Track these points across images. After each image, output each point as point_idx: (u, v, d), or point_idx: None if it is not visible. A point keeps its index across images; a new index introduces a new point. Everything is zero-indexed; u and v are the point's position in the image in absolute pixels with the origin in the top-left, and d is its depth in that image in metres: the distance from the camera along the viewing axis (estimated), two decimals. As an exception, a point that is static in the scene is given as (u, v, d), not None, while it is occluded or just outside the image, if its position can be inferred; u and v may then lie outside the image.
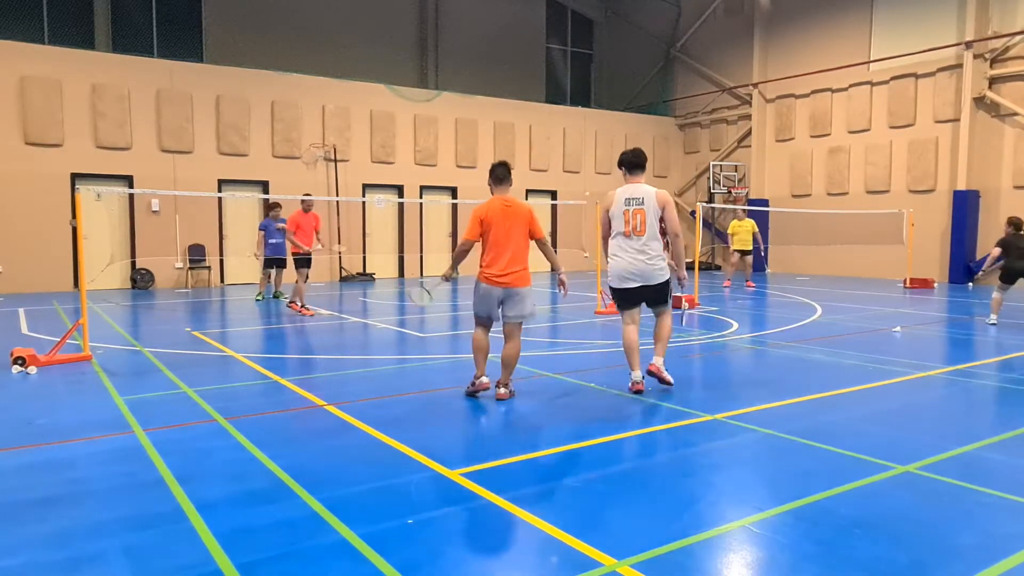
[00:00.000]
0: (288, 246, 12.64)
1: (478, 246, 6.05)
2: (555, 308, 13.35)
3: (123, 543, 3.33)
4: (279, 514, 3.65)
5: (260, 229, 13.69)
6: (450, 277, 6.21)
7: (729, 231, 17.49)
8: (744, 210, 18.04)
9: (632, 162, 6.28)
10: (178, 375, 6.98)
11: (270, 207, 13.78)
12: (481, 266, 5.94)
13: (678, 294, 7.62)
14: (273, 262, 13.77)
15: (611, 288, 6.32)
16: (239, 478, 4.19)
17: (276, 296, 14.24)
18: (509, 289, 5.88)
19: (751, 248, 17.10)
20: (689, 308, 7.41)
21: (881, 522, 3.53)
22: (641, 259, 6.08)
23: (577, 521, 3.57)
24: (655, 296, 6.22)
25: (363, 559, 3.15)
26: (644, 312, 6.40)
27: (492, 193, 6.20)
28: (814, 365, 7.67)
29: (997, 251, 11.16)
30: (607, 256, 6.36)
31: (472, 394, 6.08)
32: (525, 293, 5.94)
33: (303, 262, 12.00)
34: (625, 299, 6.24)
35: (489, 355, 6.14)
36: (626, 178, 6.33)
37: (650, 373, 6.26)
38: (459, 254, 6.06)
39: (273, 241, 13.43)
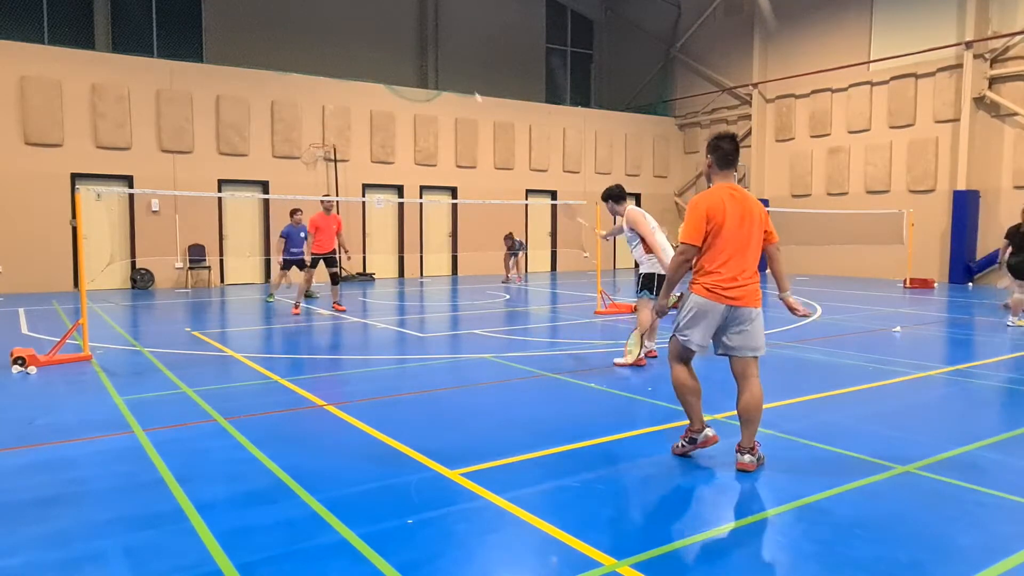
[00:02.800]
0: (307, 248, 12.51)
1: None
2: (555, 308, 13.36)
3: (123, 543, 3.33)
4: (279, 514, 3.65)
5: (282, 236, 13.35)
6: (667, 307, 4.53)
7: None
8: None
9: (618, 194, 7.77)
10: (178, 375, 6.98)
11: (291, 212, 13.38)
12: (698, 271, 4.33)
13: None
14: (294, 263, 13.43)
15: (660, 275, 7.36)
16: (239, 478, 4.19)
17: (309, 296, 14.10)
18: (738, 309, 4.24)
19: None
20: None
21: (881, 522, 3.53)
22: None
23: (577, 521, 3.57)
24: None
25: (363, 559, 3.15)
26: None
27: (710, 180, 4.45)
28: (814, 365, 7.66)
29: (1005, 243, 11.36)
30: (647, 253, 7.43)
31: (684, 454, 4.55)
32: (757, 316, 4.31)
33: (313, 262, 12.20)
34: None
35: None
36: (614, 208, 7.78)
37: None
38: (679, 270, 4.33)
39: (295, 250, 13.18)
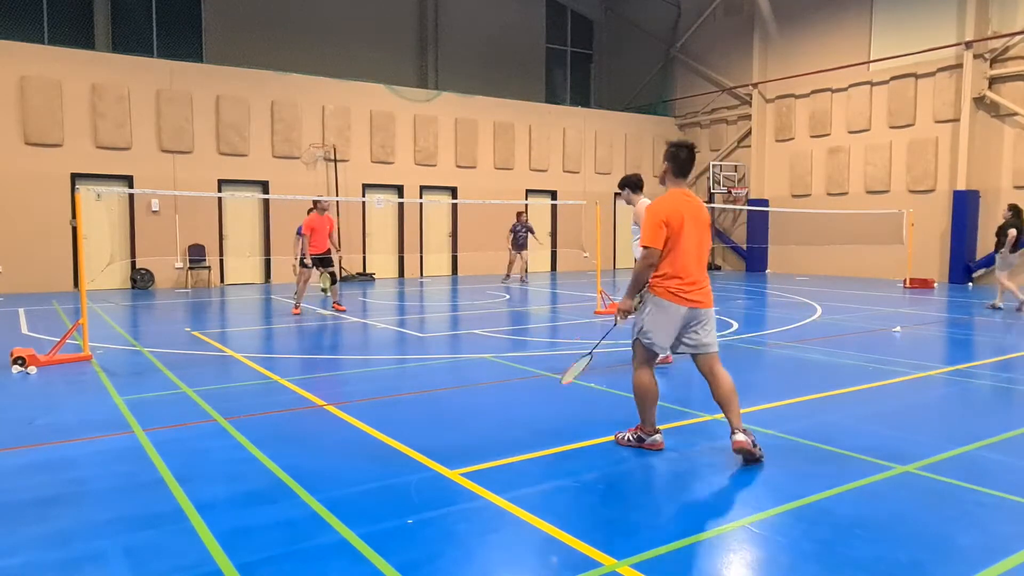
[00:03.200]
0: (305, 246, 12.33)
1: None
2: (555, 308, 13.37)
3: (123, 543, 3.33)
4: (279, 514, 3.65)
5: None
6: (631, 309, 4.63)
7: None
8: None
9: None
10: (178, 375, 6.98)
11: (309, 211, 13.15)
12: (659, 276, 4.46)
13: None
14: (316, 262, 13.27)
15: None
16: (239, 478, 4.19)
17: (324, 291, 14.22)
18: (698, 310, 4.46)
19: None
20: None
21: (881, 522, 3.53)
22: None
23: (577, 521, 3.57)
24: None
25: (363, 559, 3.15)
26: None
27: (665, 184, 4.65)
28: (814, 365, 7.66)
29: (1014, 232, 11.73)
30: None
31: (625, 444, 4.74)
32: (712, 315, 4.58)
33: (312, 263, 12.14)
34: None
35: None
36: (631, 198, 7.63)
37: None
38: (643, 271, 4.46)
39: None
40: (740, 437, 4.34)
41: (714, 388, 4.52)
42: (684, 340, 4.51)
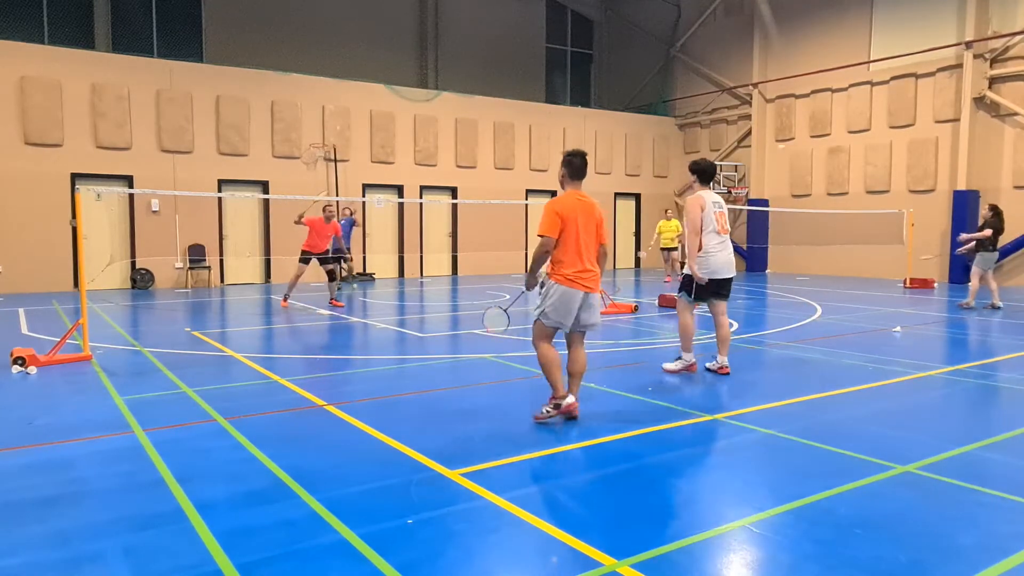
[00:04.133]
0: (302, 219, 12.58)
1: None
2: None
3: (123, 543, 3.33)
4: (279, 514, 3.65)
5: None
6: (534, 285, 5.52)
7: (657, 230, 18.98)
8: (670, 211, 19.64)
9: (708, 171, 7.15)
10: (178, 375, 6.98)
11: (323, 208, 13.49)
12: (557, 265, 5.27)
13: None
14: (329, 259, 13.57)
15: (698, 283, 6.85)
16: (239, 478, 4.19)
17: (339, 289, 14.31)
18: (590, 294, 5.32)
19: (675, 247, 18.38)
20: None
21: (881, 522, 3.53)
22: (730, 254, 7.01)
23: (577, 521, 3.58)
24: (729, 288, 7.09)
25: (363, 559, 3.15)
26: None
27: (564, 187, 5.54)
28: (814, 365, 7.66)
29: (988, 232, 12.29)
30: (698, 252, 6.88)
31: (545, 420, 5.29)
32: (598, 298, 5.49)
33: (306, 260, 12.48)
34: (710, 290, 6.92)
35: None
36: (697, 186, 7.10)
37: (708, 369, 7.04)
38: (541, 255, 5.31)
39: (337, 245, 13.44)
40: (571, 400, 5.28)
41: (573, 359, 5.42)
42: (579, 318, 5.32)
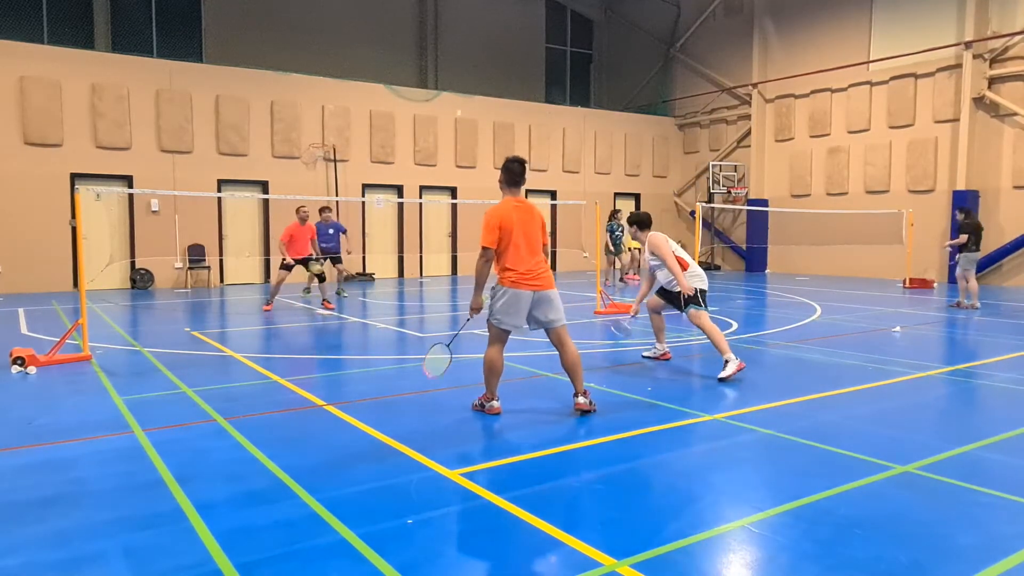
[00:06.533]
0: (284, 252, 12.69)
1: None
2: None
3: (123, 543, 3.33)
4: (279, 514, 3.65)
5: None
6: (482, 306, 5.50)
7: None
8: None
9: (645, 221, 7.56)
10: (178, 375, 6.97)
11: (320, 210, 14.21)
12: (504, 270, 5.37)
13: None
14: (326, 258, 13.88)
15: (701, 290, 7.23)
16: (239, 478, 4.18)
17: (338, 293, 14.79)
18: (541, 292, 5.38)
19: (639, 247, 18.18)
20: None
21: (881, 522, 3.53)
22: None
23: (577, 521, 3.57)
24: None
25: (363, 559, 3.15)
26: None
27: (502, 192, 5.55)
28: (814, 365, 7.66)
29: (964, 238, 12.46)
30: (685, 276, 7.18)
31: (477, 410, 5.60)
32: (556, 295, 5.49)
33: (288, 267, 12.55)
34: (704, 297, 7.24)
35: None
36: (646, 231, 7.51)
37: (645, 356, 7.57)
38: (482, 269, 5.36)
39: (324, 245, 13.63)
40: (582, 400, 5.41)
41: (562, 356, 5.49)
42: (535, 317, 5.43)
